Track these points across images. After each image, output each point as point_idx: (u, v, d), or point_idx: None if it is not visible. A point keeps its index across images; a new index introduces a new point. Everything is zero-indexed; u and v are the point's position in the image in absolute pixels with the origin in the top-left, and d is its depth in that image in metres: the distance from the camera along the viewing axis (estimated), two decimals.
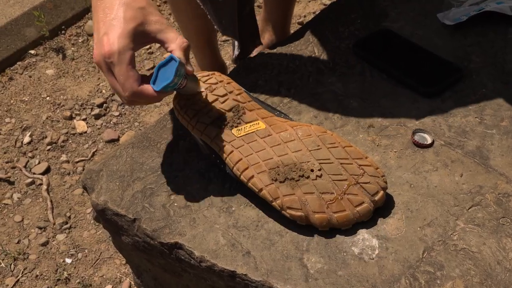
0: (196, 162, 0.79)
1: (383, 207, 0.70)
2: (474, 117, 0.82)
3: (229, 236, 0.70)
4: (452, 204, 0.71)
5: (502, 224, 0.69)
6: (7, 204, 1.46)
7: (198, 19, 1.22)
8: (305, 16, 1.94)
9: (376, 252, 0.67)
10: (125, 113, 1.67)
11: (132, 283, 1.28)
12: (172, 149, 0.82)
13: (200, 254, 0.69)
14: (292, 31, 1.61)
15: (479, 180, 0.74)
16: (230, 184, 0.76)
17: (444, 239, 0.68)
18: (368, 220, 0.69)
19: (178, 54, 0.67)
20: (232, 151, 0.72)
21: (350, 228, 0.69)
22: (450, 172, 0.75)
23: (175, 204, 0.75)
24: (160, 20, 0.67)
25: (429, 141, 0.78)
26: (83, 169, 1.53)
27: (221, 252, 0.69)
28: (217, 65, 1.41)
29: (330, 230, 0.69)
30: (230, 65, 1.68)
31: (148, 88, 0.66)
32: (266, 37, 1.58)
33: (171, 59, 0.66)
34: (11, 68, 1.80)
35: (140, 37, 0.66)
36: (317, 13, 1.89)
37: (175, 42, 0.67)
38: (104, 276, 1.31)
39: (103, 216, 0.79)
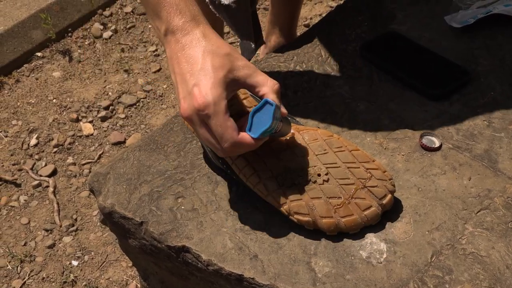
0: (203, 165, 0.79)
1: (391, 210, 0.70)
2: (482, 120, 0.81)
3: (237, 240, 0.70)
4: (461, 207, 0.71)
5: (511, 228, 0.69)
6: (13, 207, 1.46)
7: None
8: (311, 19, 1.94)
9: (384, 256, 0.67)
10: (131, 116, 1.67)
11: (139, 286, 1.28)
12: (179, 152, 0.82)
13: (207, 258, 0.69)
14: (298, 34, 1.62)
15: (487, 184, 0.73)
16: (237, 188, 0.76)
17: (452, 243, 0.67)
18: (376, 224, 0.69)
19: (272, 97, 0.64)
20: (238, 157, 0.72)
21: (358, 232, 0.68)
22: (458, 175, 0.74)
23: (182, 207, 0.75)
24: (248, 65, 0.64)
25: (437, 144, 0.78)
26: (90, 172, 1.53)
27: (228, 256, 0.69)
28: None
29: (338, 234, 0.68)
30: None
31: (247, 136, 0.63)
32: (273, 39, 1.58)
33: (266, 103, 0.63)
34: (18, 71, 1.81)
35: (231, 84, 0.63)
36: (323, 15, 1.90)
37: (267, 85, 0.64)
38: (111, 279, 1.31)
39: (110, 219, 0.79)
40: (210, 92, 0.61)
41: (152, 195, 0.77)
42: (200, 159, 0.80)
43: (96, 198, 0.82)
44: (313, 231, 0.69)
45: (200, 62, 0.62)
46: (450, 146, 0.78)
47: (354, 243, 0.68)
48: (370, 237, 0.68)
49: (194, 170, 0.79)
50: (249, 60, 1.08)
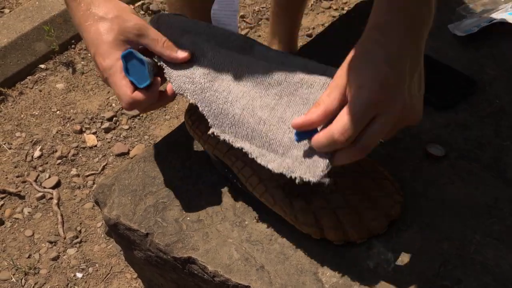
0: (209, 176, 0.79)
1: (399, 220, 0.70)
2: (490, 129, 0.81)
3: (243, 251, 0.70)
4: (469, 217, 0.70)
5: None
6: (17, 219, 1.46)
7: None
8: (313, 28, 1.94)
9: (392, 265, 0.66)
10: (135, 127, 1.68)
11: None
12: (184, 163, 0.82)
13: (213, 269, 0.68)
14: (301, 44, 1.62)
15: (495, 193, 0.73)
16: (243, 198, 0.75)
17: (461, 253, 0.67)
18: (384, 233, 0.68)
19: (165, 53, 0.69)
20: (244, 166, 0.71)
21: (365, 241, 0.68)
22: (466, 185, 0.74)
23: (188, 218, 0.74)
24: (137, 24, 0.68)
25: (444, 153, 0.77)
26: (93, 183, 1.53)
27: (234, 267, 0.68)
28: None
29: (345, 244, 0.68)
30: None
31: (140, 93, 0.67)
32: None
33: (124, 56, 0.67)
34: (22, 83, 1.82)
35: (124, 44, 0.68)
36: (326, 25, 1.90)
37: (158, 44, 0.69)
38: None
39: (115, 230, 0.79)
40: (107, 57, 0.67)
41: (157, 206, 0.77)
42: (205, 170, 0.80)
43: (101, 209, 0.82)
44: (320, 241, 0.68)
45: (93, 31, 0.68)
46: (457, 155, 0.78)
47: (361, 253, 0.67)
48: (378, 247, 0.68)
49: (199, 180, 0.79)
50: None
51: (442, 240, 0.68)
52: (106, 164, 1.58)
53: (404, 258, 0.67)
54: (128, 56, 0.67)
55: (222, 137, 0.66)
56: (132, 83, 0.67)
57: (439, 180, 0.75)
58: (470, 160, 0.77)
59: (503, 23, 0.95)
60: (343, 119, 0.56)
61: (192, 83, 0.69)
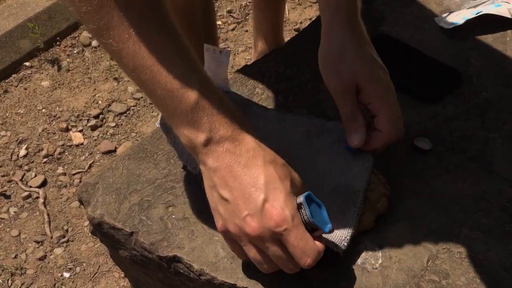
0: (194, 173, 0.78)
1: (386, 215, 0.69)
2: (476, 121, 0.80)
3: (229, 248, 0.69)
4: (456, 210, 0.70)
5: (507, 230, 0.68)
6: (3, 219, 1.44)
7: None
8: (301, 23, 1.93)
9: (380, 261, 0.65)
10: (121, 124, 1.66)
11: None
12: (169, 160, 0.80)
13: (199, 267, 0.67)
14: (289, 38, 1.61)
15: (482, 186, 0.72)
16: None
17: (449, 247, 0.66)
18: (371, 229, 0.68)
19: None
20: None
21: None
22: (453, 177, 0.73)
23: (173, 216, 0.73)
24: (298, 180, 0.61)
25: (431, 146, 0.77)
26: (80, 182, 1.51)
27: (221, 265, 0.67)
28: None
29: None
30: None
31: (321, 244, 0.58)
32: (259, 45, 1.57)
33: (306, 198, 0.58)
34: (6, 81, 1.79)
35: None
36: (313, 19, 1.89)
37: None
38: None
39: (99, 230, 0.78)
40: (286, 206, 0.55)
41: (142, 204, 0.75)
42: None
43: (85, 208, 0.80)
44: None
45: (263, 175, 0.56)
46: (444, 148, 0.77)
47: (348, 249, 0.67)
48: (365, 243, 0.67)
49: (184, 178, 0.78)
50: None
51: (430, 234, 0.68)
52: (92, 162, 1.56)
53: (391, 253, 0.66)
54: (308, 199, 0.58)
55: None
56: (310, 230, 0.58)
57: (425, 173, 0.74)
58: (456, 153, 0.76)
59: (489, 15, 0.94)
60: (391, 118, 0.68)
61: None
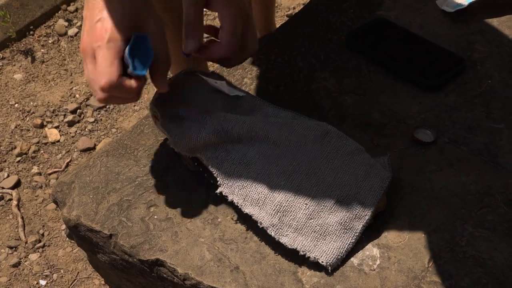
0: (178, 170, 0.78)
1: (384, 212, 0.69)
2: (481, 111, 0.81)
3: (216, 250, 0.69)
4: (459, 207, 0.70)
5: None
6: None
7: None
8: (294, 8, 1.93)
9: (378, 262, 0.66)
10: (101, 119, 1.65)
11: None
12: (151, 156, 0.80)
13: (183, 271, 0.67)
14: (280, 24, 1.61)
15: (487, 180, 0.73)
16: (216, 194, 0.74)
17: (451, 246, 0.67)
18: (368, 228, 0.68)
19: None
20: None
21: None
22: (455, 171, 0.74)
23: (155, 217, 0.73)
24: (156, 33, 0.67)
25: (432, 138, 0.77)
26: None
27: (207, 269, 0.67)
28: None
29: None
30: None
31: (128, 80, 0.64)
32: None
33: (137, 37, 0.65)
34: None
35: (130, 29, 0.65)
36: (306, 3, 1.89)
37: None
38: None
39: (76, 232, 0.78)
40: (111, 29, 0.64)
41: (122, 204, 0.75)
42: (173, 164, 0.79)
43: (60, 210, 0.80)
44: None
45: (111, 6, 0.64)
46: (446, 140, 0.77)
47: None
48: (362, 243, 0.67)
49: (167, 175, 0.78)
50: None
51: (431, 233, 0.68)
52: (70, 161, 1.56)
53: (390, 254, 0.66)
54: (140, 39, 0.65)
55: (230, 198, 0.70)
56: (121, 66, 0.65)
57: (426, 167, 0.74)
58: (460, 145, 0.77)
59: None
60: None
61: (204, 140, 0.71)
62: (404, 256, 0.66)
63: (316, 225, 0.66)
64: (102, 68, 0.63)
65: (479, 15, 0.94)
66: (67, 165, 1.55)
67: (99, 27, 0.64)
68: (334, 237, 0.65)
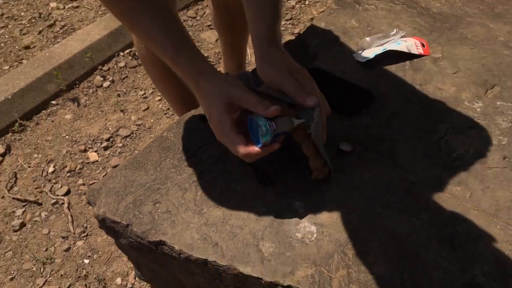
0: (175, 177, 0.76)
1: (318, 201, 0.68)
2: (386, 127, 0.81)
3: (202, 232, 0.67)
4: (372, 193, 0.70)
5: (410, 206, 0.68)
6: (36, 221, 1.39)
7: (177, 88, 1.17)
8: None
9: (315, 235, 0.65)
10: (127, 145, 1.63)
11: (136, 274, 1.22)
12: (156, 168, 0.79)
13: (179, 248, 0.66)
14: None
15: (391, 174, 0.72)
16: (202, 192, 0.73)
17: (366, 220, 0.66)
18: (308, 210, 0.67)
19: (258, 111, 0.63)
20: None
21: (293, 218, 0.66)
22: (370, 170, 0.73)
23: (159, 210, 0.72)
24: (242, 96, 0.64)
25: (351, 148, 0.77)
26: None
27: (195, 245, 0.66)
28: None
29: (278, 220, 0.66)
30: None
31: (254, 148, 0.62)
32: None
33: (251, 120, 0.62)
34: (37, 116, 1.75)
35: (231, 106, 0.63)
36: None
37: (257, 107, 0.62)
38: (115, 271, 1.25)
39: (104, 224, 0.75)
40: (216, 114, 0.63)
41: (136, 203, 0.74)
42: (172, 173, 0.77)
43: (92, 208, 0.78)
44: (260, 220, 0.66)
45: (209, 97, 0.64)
46: (362, 149, 0.77)
47: (291, 228, 0.66)
48: (304, 222, 0.66)
49: (167, 181, 0.76)
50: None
51: (352, 212, 0.67)
52: (105, 175, 1.52)
53: (323, 229, 0.65)
54: (253, 119, 0.62)
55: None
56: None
57: (348, 168, 0.74)
58: (371, 152, 0.76)
59: (392, 51, 0.95)
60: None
61: None
62: (333, 230, 0.65)
63: None
64: (230, 147, 0.63)
65: (381, 63, 0.95)
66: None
67: (211, 117, 0.63)
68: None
